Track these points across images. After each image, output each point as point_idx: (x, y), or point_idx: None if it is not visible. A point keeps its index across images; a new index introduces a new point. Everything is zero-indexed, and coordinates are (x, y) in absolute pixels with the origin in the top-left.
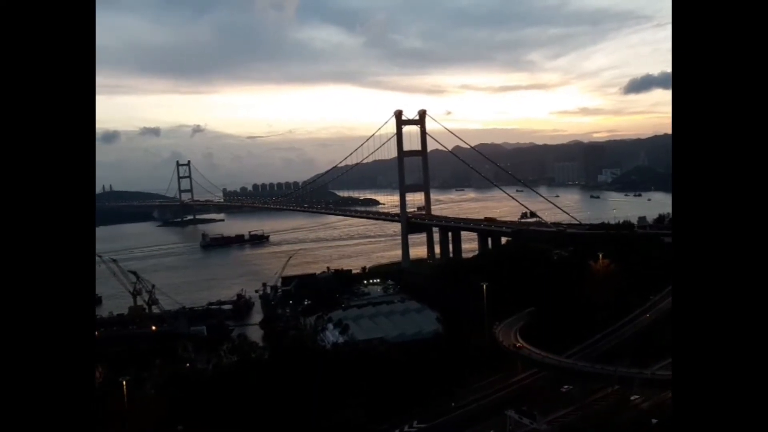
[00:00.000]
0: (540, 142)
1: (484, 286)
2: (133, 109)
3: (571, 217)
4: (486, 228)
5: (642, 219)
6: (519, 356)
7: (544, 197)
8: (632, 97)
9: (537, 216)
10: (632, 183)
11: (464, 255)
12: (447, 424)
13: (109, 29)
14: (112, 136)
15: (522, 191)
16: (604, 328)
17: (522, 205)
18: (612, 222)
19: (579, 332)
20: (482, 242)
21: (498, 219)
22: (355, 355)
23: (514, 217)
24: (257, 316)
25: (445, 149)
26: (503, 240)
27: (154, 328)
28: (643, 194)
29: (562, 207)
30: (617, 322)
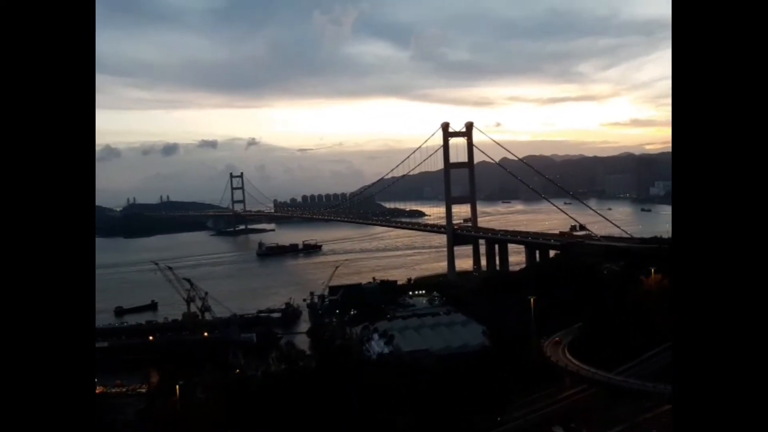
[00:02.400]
0: (590, 154)
1: (532, 299)
2: (192, 123)
3: (622, 230)
4: (534, 241)
5: None
6: (567, 372)
7: (593, 210)
8: None
9: (586, 229)
10: None
11: (511, 268)
12: None
13: (168, 47)
14: (171, 149)
15: (571, 204)
16: (657, 345)
17: (571, 217)
18: (665, 236)
19: (630, 348)
20: (530, 255)
21: (546, 232)
22: (400, 367)
23: (563, 230)
24: (305, 324)
25: (492, 161)
26: (551, 253)
27: (206, 334)
28: None
29: (613, 220)
30: (670, 339)
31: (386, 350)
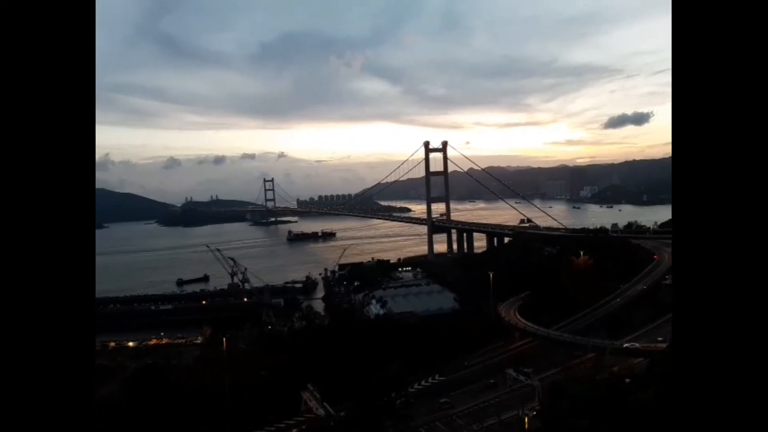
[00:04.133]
0: (535, 166)
1: (491, 274)
2: (235, 140)
3: (559, 222)
4: (493, 230)
5: (614, 225)
6: (517, 329)
7: (538, 207)
8: (609, 131)
9: (532, 222)
10: (607, 198)
11: (475, 251)
12: (460, 378)
13: (217, 83)
14: (220, 160)
15: (520, 203)
16: (583, 309)
17: (521, 213)
18: (590, 227)
19: (564, 311)
20: (490, 241)
21: (502, 224)
22: (392, 324)
23: (515, 223)
24: (320, 292)
25: (462, 170)
26: (506, 240)
27: (245, 299)
28: (615, 206)
29: (552, 215)
30: (593, 304)
31: (381, 312)
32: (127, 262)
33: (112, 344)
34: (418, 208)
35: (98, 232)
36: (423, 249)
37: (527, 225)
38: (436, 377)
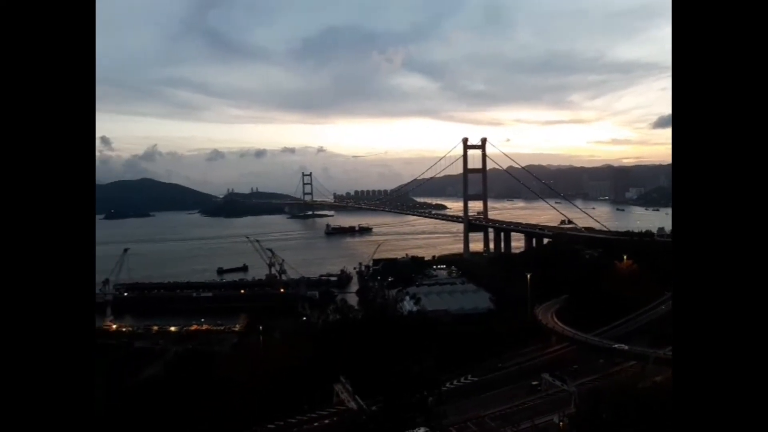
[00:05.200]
0: (577, 165)
1: (528, 275)
2: (276, 134)
3: (601, 225)
4: (531, 230)
5: (661, 229)
6: (554, 332)
7: (579, 208)
8: (657, 131)
9: (573, 223)
10: (653, 200)
11: (513, 251)
12: (494, 379)
13: (259, 77)
14: (261, 153)
15: (561, 203)
16: (625, 315)
17: (561, 213)
18: (635, 230)
19: (605, 317)
20: (528, 242)
21: (541, 224)
22: (425, 321)
23: (555, 223)
24: (354, 286)
25: (500, 168)
26: (545, 241)
27: (282, 290)
28: (661, 209)
29: (594, 217)
30: (637, 311)
31: (415, 308)
32: (172, 250)
33: (156, 328)
34: (455, 206)
35: (145, 220)
36: (458, 247)
37: (568, 226)
38: (469, 377)
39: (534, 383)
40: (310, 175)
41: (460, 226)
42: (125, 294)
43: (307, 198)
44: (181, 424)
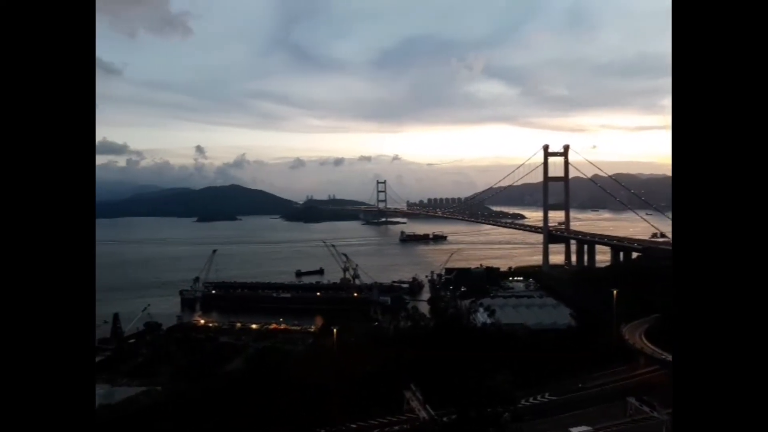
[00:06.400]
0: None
1: (615, 292)
2: (353, 143)
3: None
4: (619, 243)
5: None
6: (642, 353)
7: None
8: None
9: (666, 236)
10: None
11: (597, 265)
12: (573, 400)
13: (337, 88)
14: (339, 162)
15: (652, 215)
16: None
17: (653, 226)
18: None
19: None
20: (614, 255)
21: (630, 237)
22: (499, 334)
23: (645, 237)
24: (426, 295)
25: (584, 176)
26: (634, 255)
27: (355, 294)
28: None
29: None
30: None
31: (488, 321)
32: (256, 252)
33: (239, 325)
34: (533, 216)
35: (233, 224)
36: (536, 259)
37: (660, 240)
38: (546, 396)
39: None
40: (384, 182)
41: (539, 237)
42: (213, 291)
43: (381, 205)
44: (256, 418)
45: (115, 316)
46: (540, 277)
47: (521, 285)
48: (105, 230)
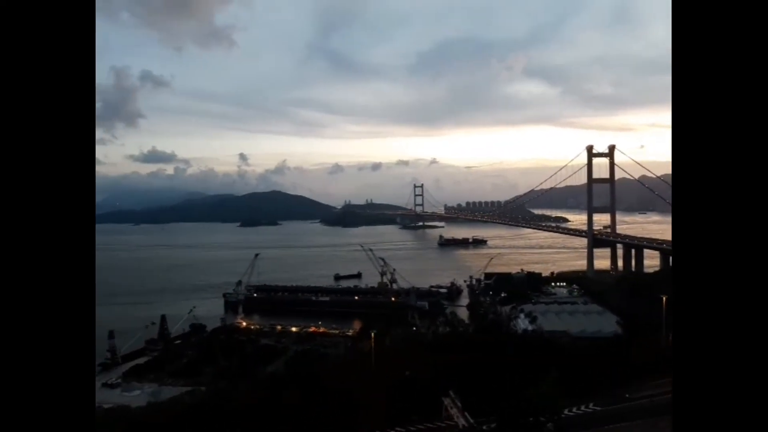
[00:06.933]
0: None
1: (664, 298)
2: (391, 148)
3: None
4: (668, 248)
5: None
6: None
7: None
8: None
9: None
10: None
11: (645, 270)
12: (620, 411)
13: (375, 93)
14: (377, 166)
15: None
16: None
17: None
18: None
19: None
20: (664, 260)
21: None
22: (541, 342)
23: None
24: (464, 300)
25: (631, 178)
26: None
27: (393, 299)
28: None
29: None
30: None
31: (530, 328)
32: (296, 255)
33: (279, 327)
34: (577, 219)
35: (274, 228)
36: (580, 264)
37: None
38: (591, 406)
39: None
40: (422, 186)
41: (583, 241)
42: (255, 294)
43: (418, 209)
44: (295, 421)
45: (163, 318)
46: (584, 282)
47: (564, 291)
48: (155, 235)
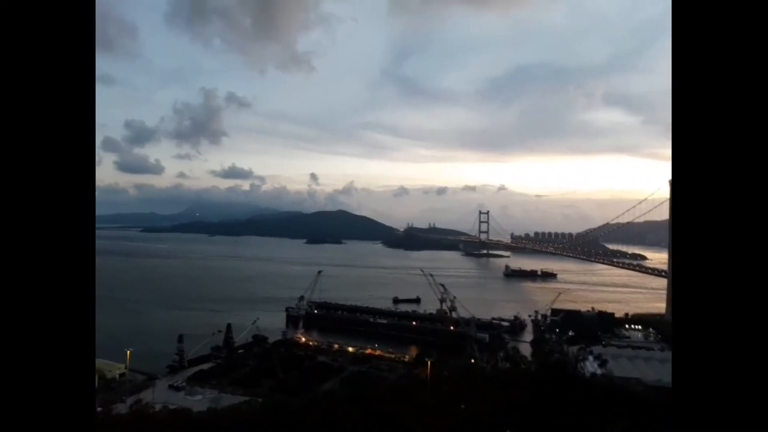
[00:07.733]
0: None
1: None
2: (458, 172)
3: None
4: None
5: None
6: None
7: None
8: None
9: None
10: None
11: None
12: None
13: (444, 118)
14: (442, 191)
15: None
16: None
17: None
18: None
19: None
20: None
21: None
22: (611, 388)
23: None
24: (527, 336)
25: None
26: None
27: (452, 328)
28: None
29: None
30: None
31: (599, 372)
32: (357, 275)
33: (336, 346)
34: (656, 257)
35: (338, 247)
36: (658, 306)
37: None
38: None
39: None
40: (488, 213)
41: (662, 282)
42: (315, 311)
43: (483, 236)
44: None
45: (228, 326)
46: (662, 327)
47: (639, 334)
48: (228, 247)
